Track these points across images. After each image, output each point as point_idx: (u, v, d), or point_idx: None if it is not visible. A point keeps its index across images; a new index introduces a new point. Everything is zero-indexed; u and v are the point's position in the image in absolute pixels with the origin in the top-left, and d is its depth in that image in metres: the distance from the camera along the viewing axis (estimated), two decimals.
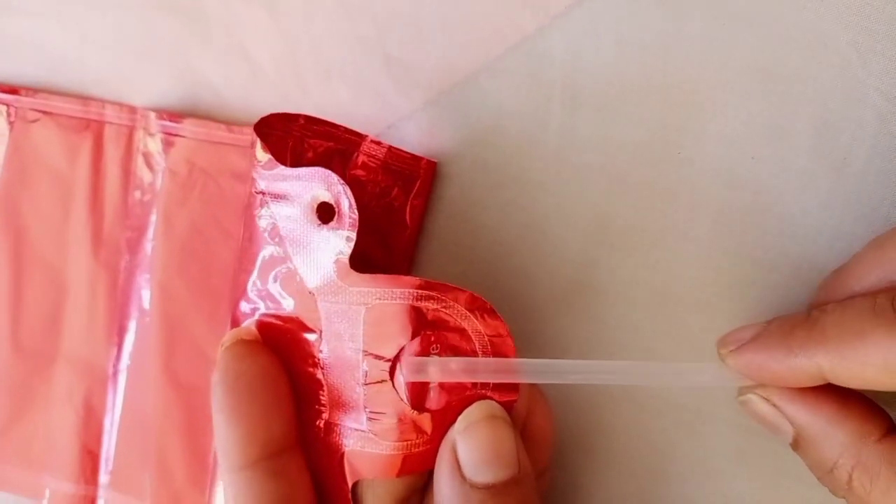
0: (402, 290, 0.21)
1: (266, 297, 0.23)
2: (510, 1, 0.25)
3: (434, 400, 0.21)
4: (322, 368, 0.22)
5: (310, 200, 0.21)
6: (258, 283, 0.23)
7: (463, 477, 0.20)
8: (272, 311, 0.23)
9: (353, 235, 0.21)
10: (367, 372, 0.21)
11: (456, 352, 0.21)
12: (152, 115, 0.28)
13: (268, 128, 0.24)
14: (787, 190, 0.24)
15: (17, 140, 0.29)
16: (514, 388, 0.21)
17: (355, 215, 0.21)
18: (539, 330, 0.26)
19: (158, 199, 0.29)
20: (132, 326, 0.29)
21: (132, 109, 0.29)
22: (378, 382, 0.21)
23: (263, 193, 0.22)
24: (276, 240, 0.22)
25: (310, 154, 0.25)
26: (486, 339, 0.21)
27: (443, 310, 0.21)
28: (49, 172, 0.29)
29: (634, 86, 0.25)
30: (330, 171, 0.21)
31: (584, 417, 0.26)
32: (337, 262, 0.21)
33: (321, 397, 0.22)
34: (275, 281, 0.23)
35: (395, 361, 0.21)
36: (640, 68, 0.25)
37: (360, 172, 0.26)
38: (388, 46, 0.26)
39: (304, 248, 0.22)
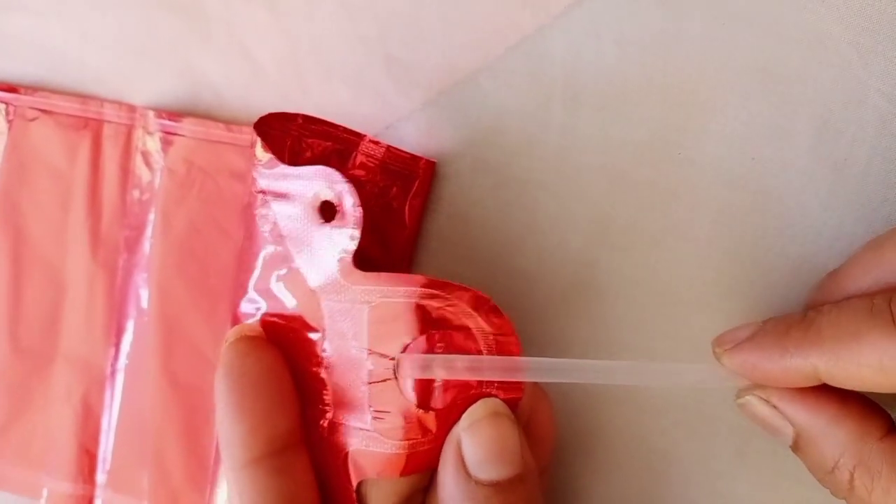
0: (407, 288, 0.21)
1: (268, 297, 0.23)
2: (510, 1, 0.25)
3: (439, 398, 0.21)
4: (325, 367, 0.22)
5: (311, 199, 0.21)
6: (260, 282, 0.23)
7: (468, 474, 0.20)
8: (274, 311, 0.23)
9: (357, 233, 0.21)
10: (371, 370, 0.21)
11: (461, 350, 0.21)
12: (151, 113, 0.28)
13: (266, 127, 0.24)
14: (787, 190, 0.24)
15: (15, 138, 0.29)
16: (518, 385, 0.21)
17: (359, 213, 0.21)
18: (539, 330, 0.26)
19: (157, 198, 0.28)
20: (130, 326, 0.29)
21: (131, 108, 0.29)
22: (383, 381, 0.21)
23: (264, 192, 0.22)
24: (278, 239, 0.22)
25: (308, 154, 0.25)
26: (491, 337, 0.21)
27: (447, 308, 0.21)
28: (48, 171, 0.29)
29: (635, 85, 0.25)
30: (333, 170, 0.21)
31: (585, 417, 0.26)
32: (340, 260, 0.21)
33: (325, 397, 0.22)
34: (277, 280, 0.23)
35: (399, 360, 0.21)
36: (640, 68, 0.25)
37: (358, 172, 0.26)
38: (389, 46, 0.26)
39: (306, 247, 0.22)
